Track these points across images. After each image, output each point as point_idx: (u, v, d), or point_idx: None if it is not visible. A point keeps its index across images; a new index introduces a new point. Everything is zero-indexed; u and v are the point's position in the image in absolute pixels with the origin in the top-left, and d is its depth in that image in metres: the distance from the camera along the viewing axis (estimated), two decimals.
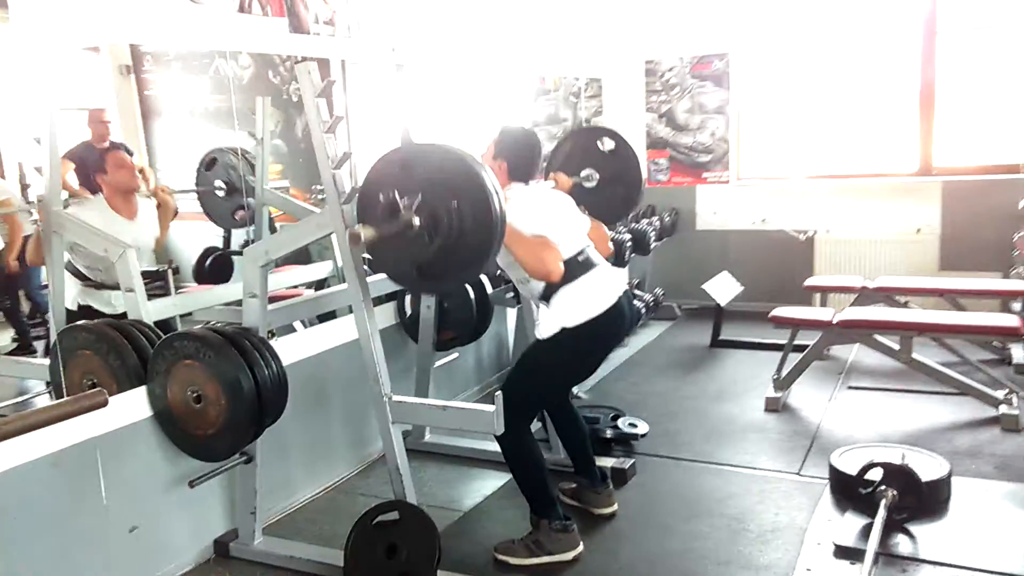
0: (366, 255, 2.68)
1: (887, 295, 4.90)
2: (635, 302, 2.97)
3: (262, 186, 4.44)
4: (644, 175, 3.55)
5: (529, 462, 2.85)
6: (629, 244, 5.34)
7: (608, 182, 3.56)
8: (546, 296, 2.79)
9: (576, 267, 2.79)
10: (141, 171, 3.87)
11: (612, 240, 5.33)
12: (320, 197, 7.12)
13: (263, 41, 3.46)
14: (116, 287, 3.42)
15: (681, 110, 6.41)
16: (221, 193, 4.68)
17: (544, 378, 2.87)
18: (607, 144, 3.58)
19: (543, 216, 2.77)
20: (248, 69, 7.98)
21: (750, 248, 6.27)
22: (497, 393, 2.54)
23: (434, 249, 2.38)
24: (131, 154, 3.99)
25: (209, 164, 4.69)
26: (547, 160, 3.64)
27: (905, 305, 4.90)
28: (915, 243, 5.80)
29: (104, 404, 1.88)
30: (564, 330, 2.75)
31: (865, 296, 4.93)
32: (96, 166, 3.71)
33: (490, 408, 2.51)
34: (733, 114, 6.31)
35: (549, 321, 2.78)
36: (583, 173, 3.55)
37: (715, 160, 6.39)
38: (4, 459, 2.34)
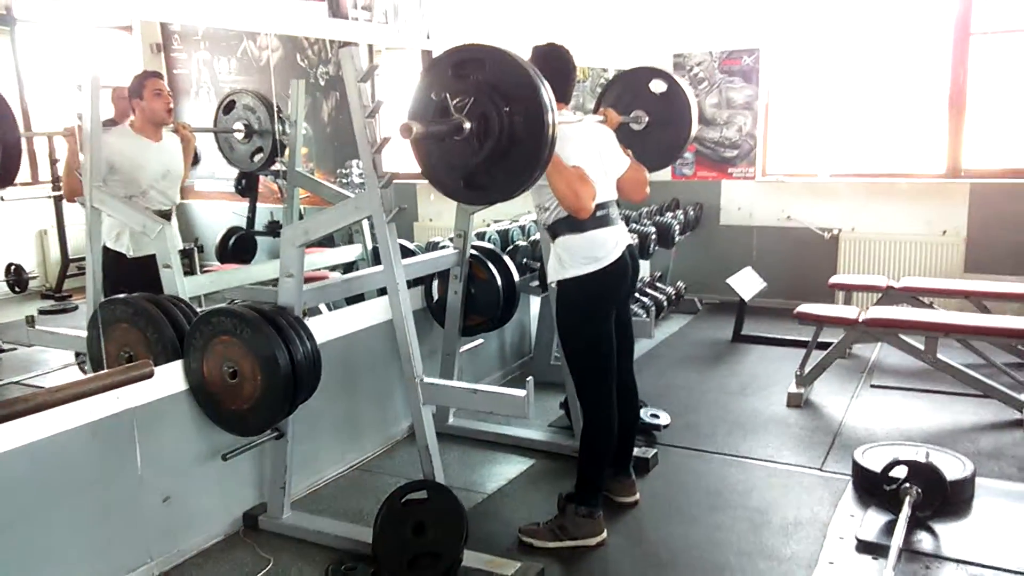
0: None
1: (912, 295, 4.90)
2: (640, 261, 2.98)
3: (294, 168, 4.46)
4: (696, 121, 3.39)
5: (602, 434, 2.90)
6: (653, 237, 5.36)
7: (657, 125, 3.37)
8: (554, 232, 2.85)
9: (594, 221, 2.79)
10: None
11: (636, 233, 5.36)
12: (345, 181, 7.17)
13: (301, 24, 3.50)
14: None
15: (709, 104, 6.39)
16: (239, 135, 4.68)
17: (577, 327, 2.89)
18: (659, 86, 3.39)
19: (586, 149, 2.78)
20: (270, 52, 8.02)
21: (773, 244, 6.27)
22: (528, 379, 2.58)
23: (483, 156, 2.32)
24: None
25: (228, 107, 4.69)
26: (597, 98, 3.52)
27: (930, 306, 4.89)
28: (940, 245, 5.77)
29: (150, 375, 1.93)
30: (571, 279, 2.82)
31: (890, 296, 4.92)
32: (134, 91, 3.73)
33: (520, 392, 2.54)
34: (761, 110, 6.30)
35: (555, 268, 2.86)
36: (632, 114, 3.37)
37: (741, 156, 6.39)
38: (46, 426, 2.39)
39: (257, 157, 4.67)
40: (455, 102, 2.29)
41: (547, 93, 2.30)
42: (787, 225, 6.24)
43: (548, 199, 2.80)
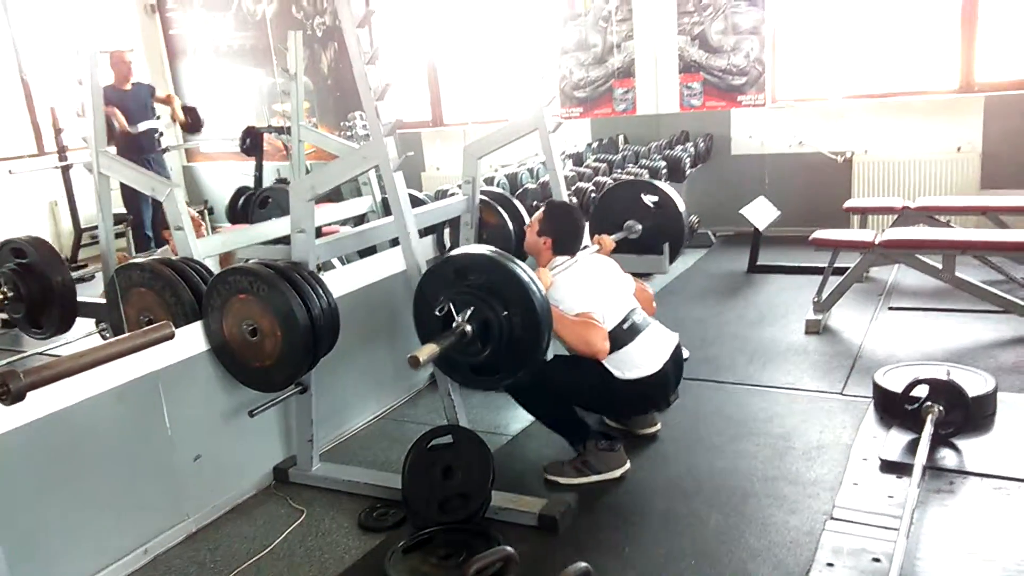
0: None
1: (928, 215, 4.84)
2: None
3: (297, 122, 4.42)
4: (686, 225, 3.89)
5: (545, 402, 2.93)
6: (664, 171, 5.31)
7: (650, 230, 3.74)
8: None
9: (622, 335, 2.84)
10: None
11: (648, 169, 5.31)
12: (349, 134, 7.10)
13: None
14: None
15: (714, 31, 6.26)
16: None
17: (575, 388, 2.90)
18: (649, 198, 3.75)
19: (585, 291, 2.84)
20: (264, 5, 7.90)
21: (787, 171, 6.19)
22: None
23: (486, 354, 2.48)
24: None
25: (262, 203, 4.70)
26: (588, 223, 3.74)
27: (947, 224, 4.84)
28: (956, 162, 5.69)
29: (171, 336, 1.93)
30: (609, 373, 2.82)
31: (906, 217, 4.88)
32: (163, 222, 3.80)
33: None
34: (768, 34, 6.16)
35: None
36: (626, 225, 3.70)
37: (750, 82, 6.27)
38: (73, 393, 2.43)
39: None
40: (459, 316, 2.43)
41: (533, 281, 2.45)
42: (799, 151, 6.16)
43: None
